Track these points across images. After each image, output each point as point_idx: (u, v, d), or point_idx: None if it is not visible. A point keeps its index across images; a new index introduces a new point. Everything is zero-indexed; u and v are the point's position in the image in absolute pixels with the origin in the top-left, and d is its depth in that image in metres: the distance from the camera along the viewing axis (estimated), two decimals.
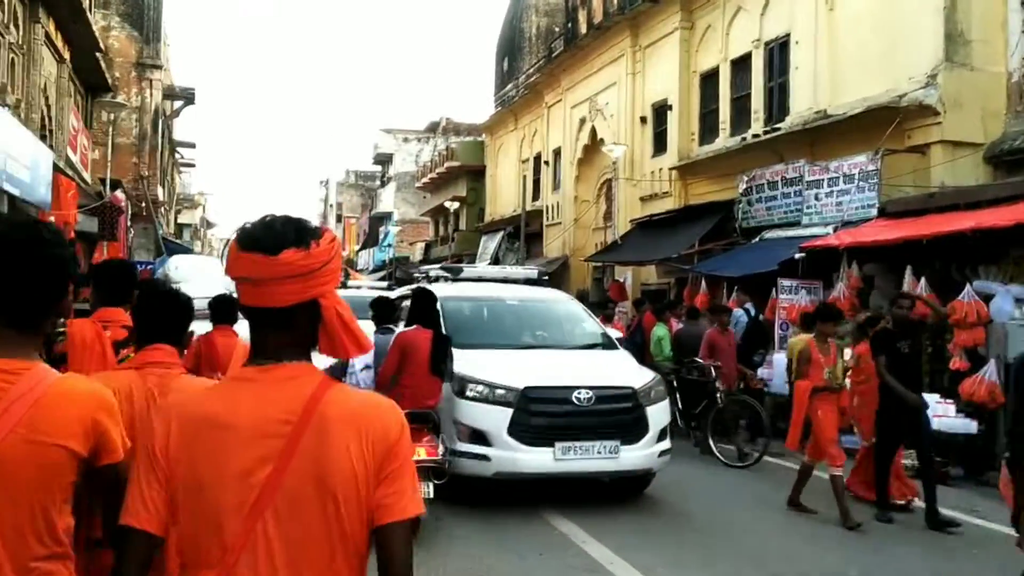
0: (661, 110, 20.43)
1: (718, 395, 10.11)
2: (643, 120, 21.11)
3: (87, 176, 20.24)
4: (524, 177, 30.22)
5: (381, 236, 54.25)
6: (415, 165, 52.69)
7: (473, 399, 7.41)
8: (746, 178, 15.61)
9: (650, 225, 19.12)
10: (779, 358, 11.46)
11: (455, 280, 9.86)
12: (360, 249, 59.19)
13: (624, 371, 8.21)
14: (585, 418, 7.40)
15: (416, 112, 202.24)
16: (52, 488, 1.85)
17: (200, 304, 3.77)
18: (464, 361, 7.63)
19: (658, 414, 7.80)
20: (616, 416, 7.53)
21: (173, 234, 35.62)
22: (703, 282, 14.55)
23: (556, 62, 25.95)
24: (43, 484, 1.83)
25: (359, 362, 7.25)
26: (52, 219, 14.38)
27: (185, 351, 3.17)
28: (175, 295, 2.95)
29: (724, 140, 18.04)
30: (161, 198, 26.26)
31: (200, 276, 15.05)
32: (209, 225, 65.43)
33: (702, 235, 15.83)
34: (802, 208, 13.90)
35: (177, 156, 37.98)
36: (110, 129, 22.39)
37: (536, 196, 28.39)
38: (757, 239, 14.80)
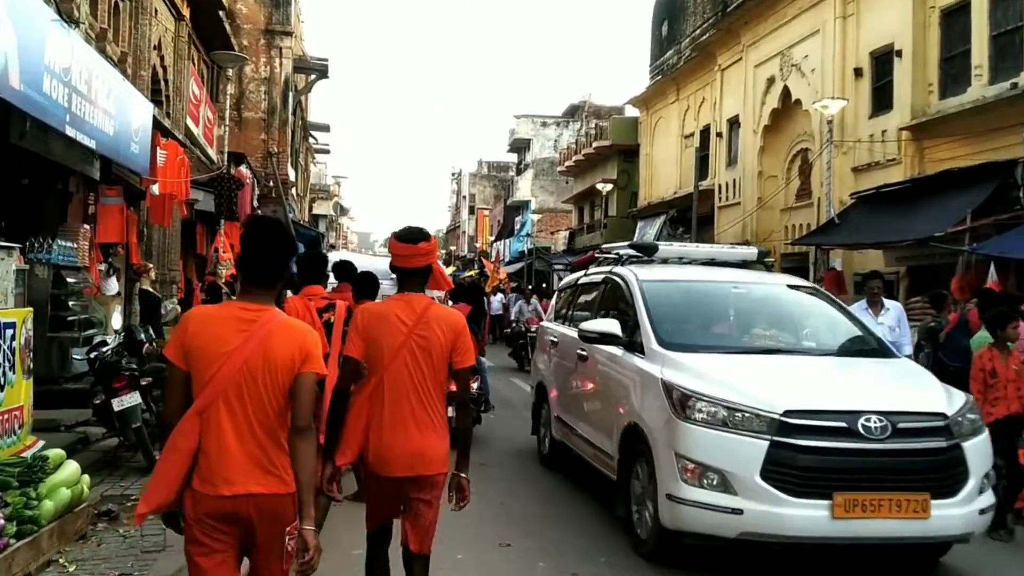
0: (884, 58, 16.41)
1: None
2: (858, 72, 17.12)
3: (212, 153, 18.05)
4: (688, 153, 26.51)
5: (517, 226, 51.67)
6: (554, 151, 49.77)
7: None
8: None
9: (877, 200, 15.18)
10: None
11: (648, 261, 7.73)
12: (495, 240, 56.84)
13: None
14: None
15: (552, 98, 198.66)
16: (280, 383, 2.90)
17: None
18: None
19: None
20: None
21: (307, 223, 33.91)
22: (992, 268, 10.62)
23: (735, 15, 22.10)
24: (274, 380, 2.89)
25: None
26: (155, 187, 12.00)
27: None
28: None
29: (981, 89, 13.93)
30: (292, 178, 24.06)
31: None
32: (343, 211, 64.26)
33: (975, 207, 11.83)
34: None
35: (311, 140, 36.18)
36: (231, 89, 20.26)
37: (703, 175, 24.62)
38: None
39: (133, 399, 6.92)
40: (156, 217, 13.05)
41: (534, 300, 17.12)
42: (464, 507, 3.82)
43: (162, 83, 14.99)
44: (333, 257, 18.50)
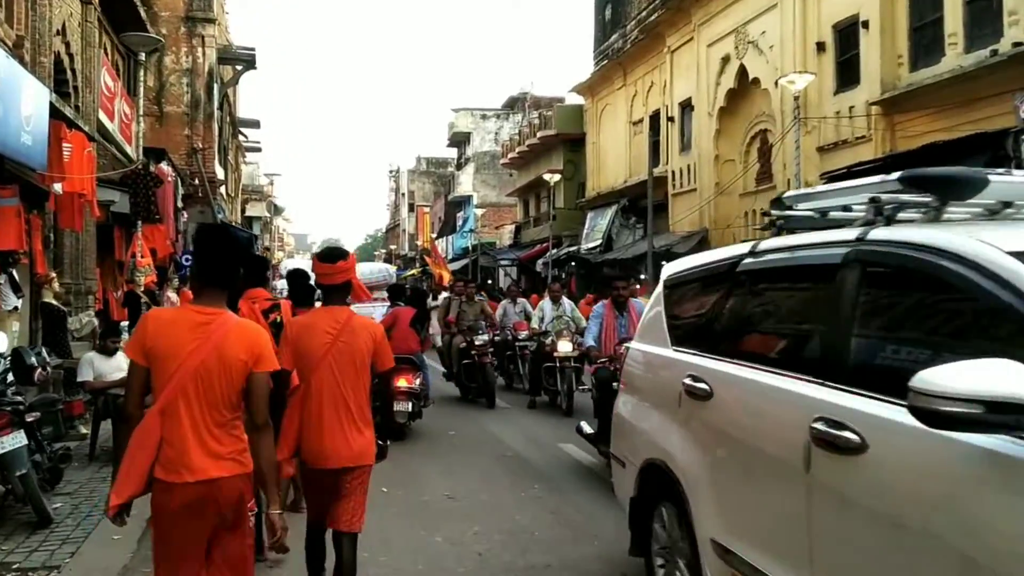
0: (848, 31, 15.65)
1: None
2: (820, 47, 16.33)
3: (130, 151, 16.41)
4: (638, 140, 25.61)
5: (460, 222, 50.42)
6: (495, 144, 48.61)
7: None
8: None
9: (849, 179, 14.35)
10: None
11: (940, 207, 3.14)
12: (437, 237, 55.49)
13: None
14: None
15: (491, 91, 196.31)
16: (233, 382, 3.12)
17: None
18: None
19: None
20: None
21: (240, 225, 32.13)
22: None
23: None
24: (228, 380, 3.10)
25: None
26: (58, 186, 10.51)
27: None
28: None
29: (957, 59, 13.21)
30: (220, 177, 22.43)
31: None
32: (277, 211, 62.00)
33: None
34: None
35: (241, 137, 34.36)
36: (151, 81, 18.62)
37: (655, 161, 23.73)
38: None
39: (16, 440, 5.54)
40: (65, 220, 11.54)
41: (522, 301, 14.11)
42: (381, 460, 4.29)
43: (68, 73, 13.37)
44: (288, 264, 16.78)
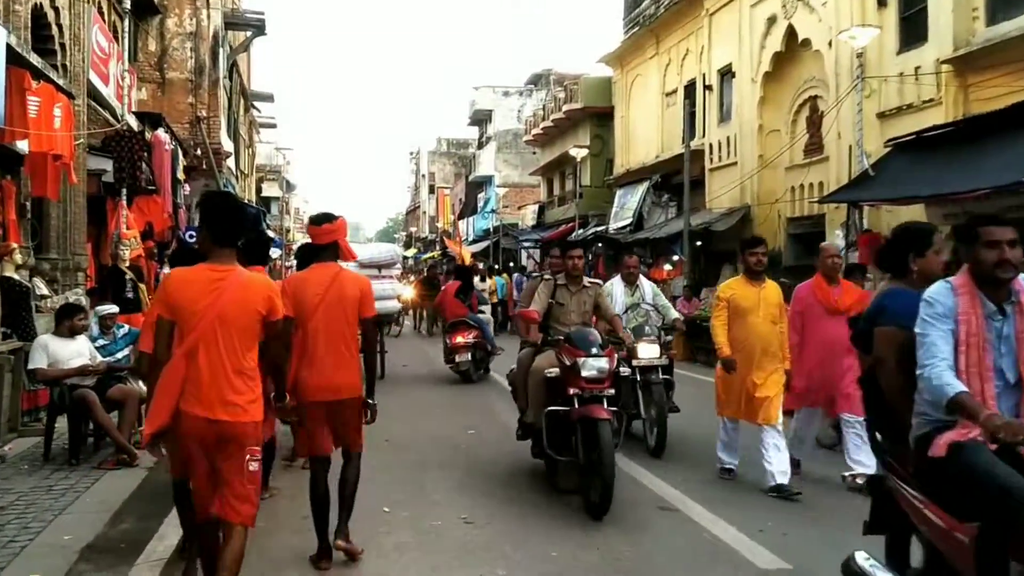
0: None
1: None
2: (881, 2, 14.73)
3: (133, 121, 15.09)
4: (671, 112, 24.04)
5: (481, 203, 49.00)
6: (517, 122, 47.02)
7: None
8: None
9: (918, 147, 12.82)
10: None
11: None
12: (458, 219, 54.11)
13: None
14: None
15: (513, 70, 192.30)
16: (250, 331, 3.67)
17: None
18: None
19: None
20: None
21: (257, 204, 30.83)
22: None
23: None
24: (245, 329, 3.65)
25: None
26: (24, 144, 9.24)
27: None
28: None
29: None
30: (227, 149, 21.11)
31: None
32: (290, 187, 60.69)
33: None
34: None
35: (254, 112, 33.06)
36: (152, 46, 17.23)
37: (691, 134, 22.15)
38: None
39: None
40: (37, 187, 10.31)
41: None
42: (372, 423, 4.86)
43: (54, 29, 12.09)
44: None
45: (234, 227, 3.71)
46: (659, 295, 8.48)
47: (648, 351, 7.77)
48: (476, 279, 15.28)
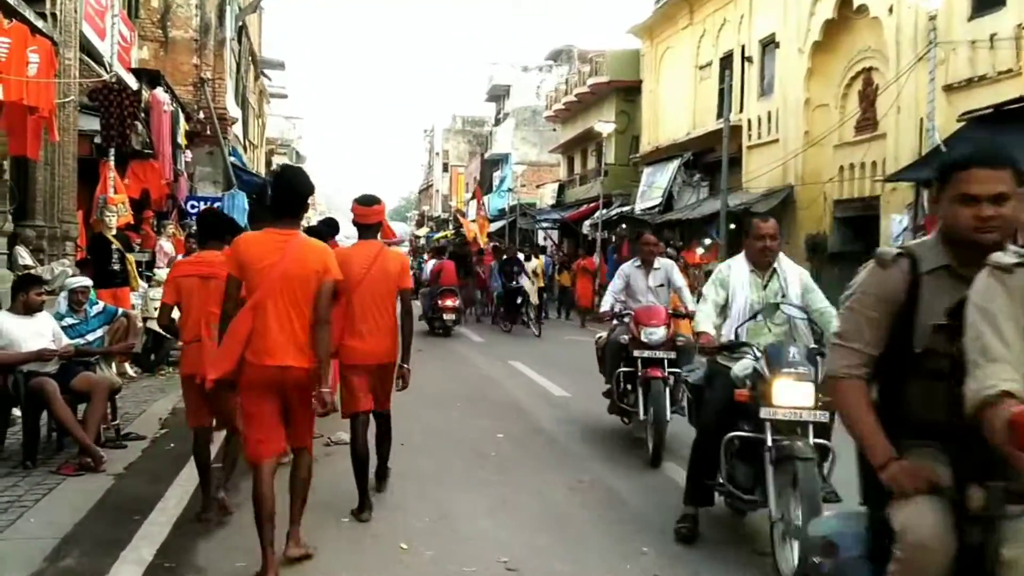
0: None
1: None
2: None
3: (131, 80, 13.87)
4: (705, 86, 22.66)
5: (496, 181, 47.65)
6: (536, 98, 45.56)
7: None
8: None
9: (996, 122, 11.50)
10: None
11: None
12: (471, 198, 52.85)
13: None
14: None
15: (532, 47, 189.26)
16: (309, 288, 4.05)
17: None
18: None
19: None
20: None
21: (266, 176, 29.50)
22: None
23: None
24: (305, 285, 4.04)
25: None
26: None
27: None
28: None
29: None
30: (233, 115, 19.89)
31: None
32: (300, 159, 59.28)
33: None
34: None
35: (264, 80, 31.78)
36: (155, 2, 15.91)
37: (728, 109, 20.76)
38: None
39: None
40: (15, 145, 9.14)
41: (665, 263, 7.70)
42: (406, 388, 5.30)
43: None
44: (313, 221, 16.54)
45: (300, 200, 4.28)
46: (814, 290, 5.04)
47: (791, 394, 4.32)
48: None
